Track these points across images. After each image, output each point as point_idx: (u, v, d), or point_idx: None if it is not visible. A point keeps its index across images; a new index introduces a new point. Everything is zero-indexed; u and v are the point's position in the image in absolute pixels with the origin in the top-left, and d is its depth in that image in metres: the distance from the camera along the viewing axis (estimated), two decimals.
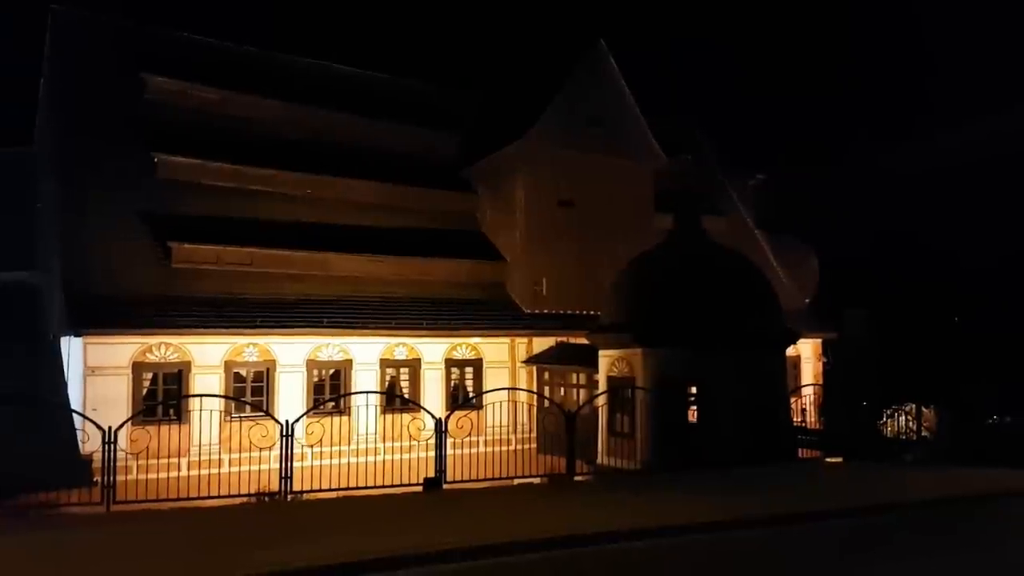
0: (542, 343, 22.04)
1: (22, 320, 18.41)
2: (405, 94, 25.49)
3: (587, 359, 18.21)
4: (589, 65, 23.93)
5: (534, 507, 11.49)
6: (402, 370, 20.54)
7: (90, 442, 12.50)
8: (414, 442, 14.14)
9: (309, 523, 10.15)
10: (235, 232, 19.45)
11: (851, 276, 34.65)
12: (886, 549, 9.32)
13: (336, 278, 20.41)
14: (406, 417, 17.19)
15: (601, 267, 20.86)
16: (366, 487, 12.75)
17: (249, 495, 12.26)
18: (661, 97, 43.72)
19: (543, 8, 53.13)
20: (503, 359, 21.87)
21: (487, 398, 17.38)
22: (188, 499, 11.93)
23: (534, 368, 21.63)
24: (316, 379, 19.31)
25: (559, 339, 21.90)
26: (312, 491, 12.56)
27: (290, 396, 18.60)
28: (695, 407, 15.85)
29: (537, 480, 14.21)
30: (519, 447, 17.09)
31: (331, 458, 14.46)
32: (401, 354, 20.41)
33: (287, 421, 12.69)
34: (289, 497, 12.42)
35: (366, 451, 16.01)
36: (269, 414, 15.72)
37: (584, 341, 18.64)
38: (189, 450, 15.60)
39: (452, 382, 21.18)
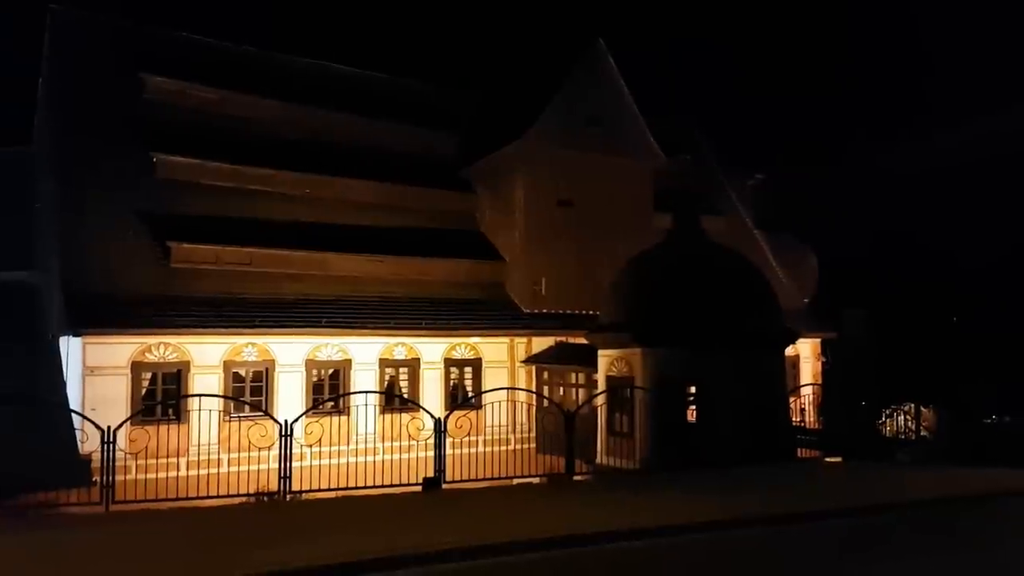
0: (541, 343, 22.05)
1: (21, 320, 18.38)
2: (404, 94, 25.48)
3: (586, 359, 18.21)
4: (588, 65, 23.93)
5: (533, 507, 11.50)
6: (401, 370, 20.54)
7: (89, 442, 12.51)
8: (413, 442, 14.13)
9: (308, 523, 10.15)
10: (234, 232, 19.44)
11: (850, 276, 34.66)
12: (885, 549, 9.33)
13: (335, 278, 20.41)
14: (405, 417, 17.21)
15: (600, 267, 20.87)
16: (365, 487, 12.73)
17: (248, 495, 12.25)
18: (660, 97, 43.81)
19: (542, 8, 53.15)
20: (502, 359, 21.87)
21: (486, 398, 17.37)
22: (187, 499, 11.92)
23: (533, 368, 21.64)
24: (315, 379, 19.30)
25: (558, 339, 21.90)
26: (311, 491, 12.56)
27: (289, 396, 18.60)
28: (694, 407, 15.87)
29: (536, 480, 14.20)
30: (518, 447, 17.10)
31: (330, 458, 14.44)
32: (400, 354, 20.41)
33: (286, 421, 12.70)
34: (288, 497, 12.42)
35: (365, 451, 15.97)
36: (268, 414, 15.72)
37: (583, 341, 18.65)
38: (188, 450, 15.59)
39: (451, 382, 21.18)
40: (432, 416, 13.86)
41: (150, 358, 17.35)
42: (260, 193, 20.67)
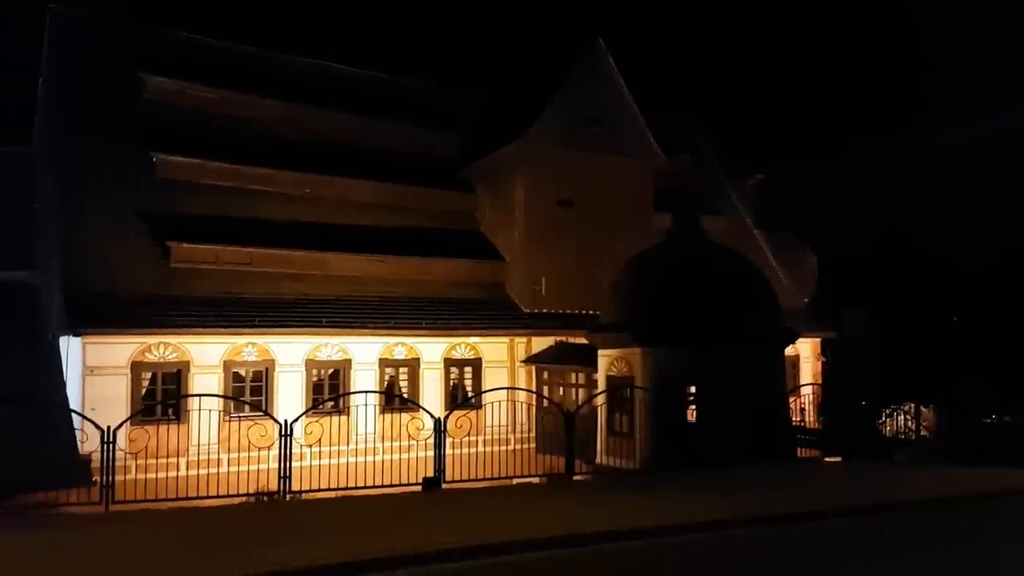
0: (541, 343, 22.05)
1: (21, 320, 18.38)
2: (404, 94, 25.48)
3: (586, 359, 18.21)
4: (588, 65, 23.94)
5: (533, 507, 11.50)
6: (401, 370, 20.54)
7: (89, 442, 12.51)
8: (413, 442, 14.14)
9: (308, 523, 10.15)
10: (234, 232, 19.44)
11: (850, 276, 34.67)
12: (884, 548, 9.33)
13: (335, 278, 20.41)
14: (405, 417, 17.23)
15: (600, 266, 20.87)
16: (365, 487, 12.73)
17: (248, 495, 12.25)
18: (660, 97, 43.76)
19: (542, 8, 53.15)
20: (502, 359, 21.87)
21: (486, 398, 17.37)
22: (187, 499, 11.92)
23: (533, 368, 21.64)
24: (315, 379, 19.31)
25: (558, 339, 21.91)
26: (311, 491, 12.57)
27: (289, 396, 18.60)
28: (694, 406, 15.86)
29: (536, 480, 14.20)
30: (518, 447, 17.10)
31: (330, 458, 14.44)
32: (400, 354, 20.42)
33: (286, 421, 12.70)
34: (288, 497, 12.42)
35: (365, 451, 15.98)
36: (268, 414, 15.73)
37: (583, 341, 18.65)
38: (188, 450, 15.59)
39: (451, 382, 21.19)
40: (432, 416, 13.86)
41: (150, 358, 17.35)
42: (260, 193, 20.67)
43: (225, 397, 16.91)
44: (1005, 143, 38.30)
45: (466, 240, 23.40)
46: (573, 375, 19.87)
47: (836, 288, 30.93)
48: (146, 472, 14.02)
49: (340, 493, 12.53)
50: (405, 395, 20.05)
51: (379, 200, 22.43)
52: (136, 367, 17.16)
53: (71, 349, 16.75)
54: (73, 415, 14.18)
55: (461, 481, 13.37)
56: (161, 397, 17.37)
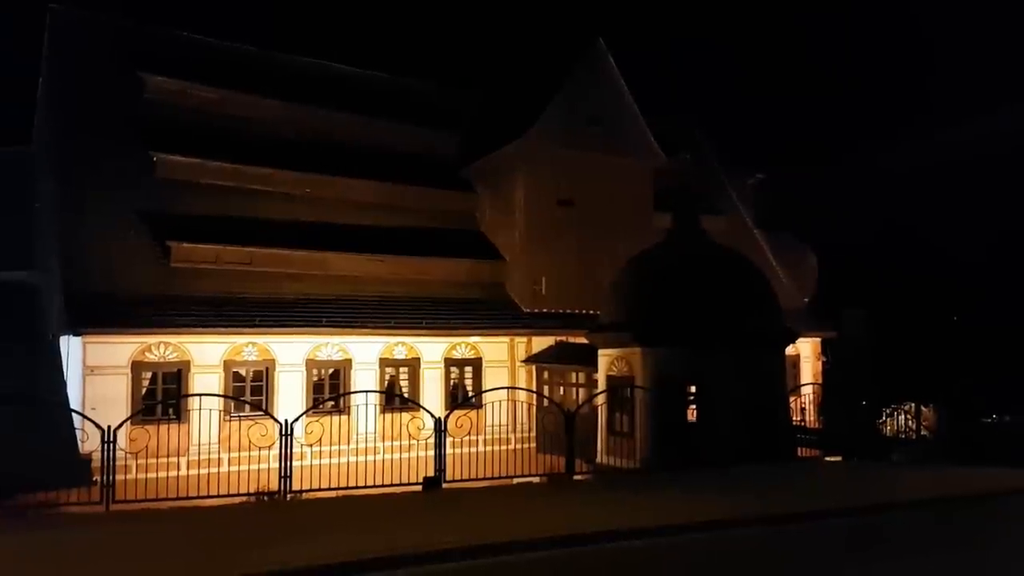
0: (541, 342, 22.05)
1: (21, 320, 18.38)
2: (404, 93, 25.48)
3: (586, 358, 18.22)
4: (588, 64, 23.93)
5: (533, 506, 11.50)
6: (401, 369, 20.54)
7: (89, 441, 12.52)
8: (413, 441, 14.14)
9: (308, 522, 10.15)
10: (234, 231, 19.44)
11: (850, 275, 34.68)
12: (884, 548, 9.34)
13: (335, 277, 20.41)
14: (405, 416, 17.22)
15: (600, 266, 20.87)
16: (365, 486, 12.74)
17: (248, 494, 12.26)
18: (660, 96, 43.81)
19: (543, 8, 53.14)
20: (502, 358, 21.88)
21: (486, 397, 17.37)
22: (187, 498, 11.92)
23: (533, 367, 21.64)
24: (315, 378, 19.31)
25: (558, 338, 21.91)
26: (311, 490, 12.57)
27: (289, 395, 18.60)
28: (694, 406, 15.87)
29: (536, 479, 14.21)
30: (518, 446, 17.12)
31: (330, 457, 14.45)
32: (400, 353, 20.42)
33: (286, 420, 12.70)
34: (288, 496, 12.43)
35: (365, 450, 16.01)
36: (268, 413, 15.74)
37: (583, 340, 18.65)
38: (188, 449, 15.60)
39: (451, 381, 21.19)
40: (432, 415, 13.87)
41: (150, 358, 17.36)
42: (260, 193, 20.67)
43: (225, 397, 16.91)
44: (1005, 142, 38.30)
45: (466, 240, 23.40)
46: (573, 375, 19.87)
47: (836, 288, 30.94)
48: (146, 472, 14.03)
49: (340, 493, 12.53)
50: (405, 395, 20.05)
51: (379, 200, 22.43)
52: (136, 367, 17.16)
53: (71, 349, 16.76)
54: (73, 415, 14.20)
55: (461, 481, 13.37)
56: (161, 397, 17.37)
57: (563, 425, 14.72)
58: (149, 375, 17.42)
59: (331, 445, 15.03)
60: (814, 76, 59.36)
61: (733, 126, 54.92)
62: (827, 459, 16.74)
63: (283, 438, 12.48)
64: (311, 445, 14.25)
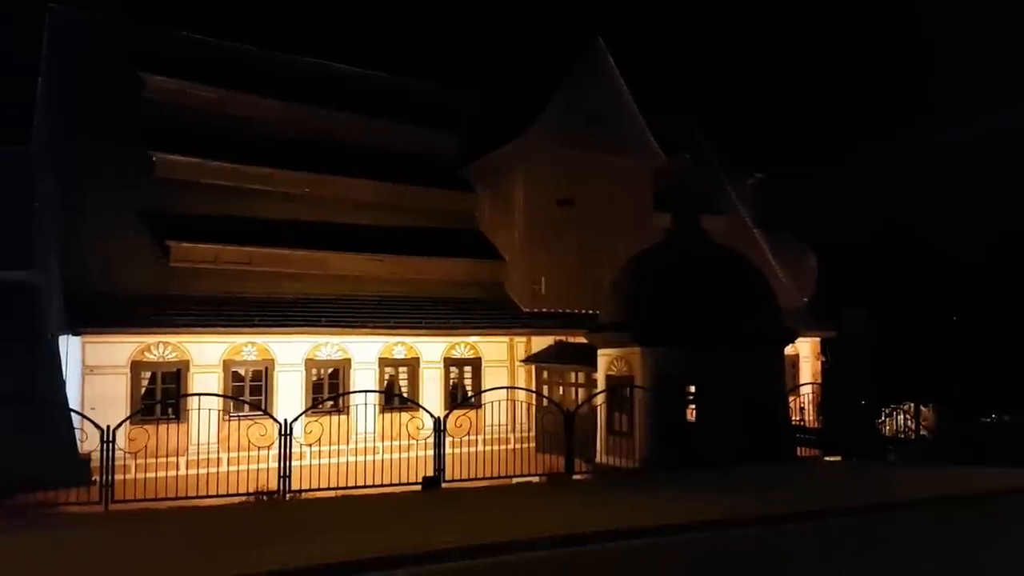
0: (541, 342, 22.05)
1: (20, 319, 18.37)
2: (404, 93, 25.48)
3: (586, 358, 18.21)
4: (588, 64, 23.93)
5: (533, 506, 11.50)
6: (401, 369, 20.54)
7: (88, 441, 12.52)
8: (413, 441, 14.14)
9: (308, 522, 10.15)
10: (234, 231, 19.44)
11: (849, 275, 34.69)
12: (883, 548, 9.33)
13: (335, 277, 20.41)
14: (405, 416, 17.24)
15: (600, 266, 20.88)
16: (365, 486, 12.75)
17: (248, 494, 12.26)
18: (660, 96, 43.78)
19: (543, 8, 53.14)
20: (502, 358, 21.88)
21: (486, 397, 17.38)
22: (186, 498, 11.92)
23: (533, 367, 21.64)
24: (315, 378, 19.31)
25: (558, 338, 21.91)
26: (311, 490, 12.57)
27: (289, 395, 18.61)
28: (694, 406, 15.87)
29: (536, 479, 14.20)
30: (518, 446, 17.10)
31: (330, 457, 14.45)
32: (400, 353, 20.42)
33: (286, 420, 12.70)
34: (288, 496, 12.43)
35: (365, 450, 15.98)
36: (268, 413, 15.74)
37: (583, 340, 18.64)
38: (188, 449, 15.59)
39: (451, 381, 21.19)
40: (432, 415, 13.87)
41: (150, 357, 17.36)
42: (260, 192, 20.67)
43: (225, 396, 16.91)
44: (1005, 142, 38.31)
45: (466, 240, 23.40)
46: (573, 374, 19.86)
47: (836, 288, 30.95)
48: (146, 471, 14.04)
49: (340, 492, 12.53)
50: (405, 394, 20.05)
51: (379, 200, 22.43)
52: (136, 366, 17.16)
53: (71, 349, 16.76)
54: (73, 414, 14.19)
55: (461, 480, 13.37)
56: (161, 396, 17.37)
57: (562, 425, 14.72)
58: (148, 375, 17.43)
59: (330, 445, 15.02)
60: (814, 76, 59.41)
61: (733, 126, 54.94)
62: (826, 459, 16.73)
63: (282, 438, 12.48)
64: (310, 445, 14.25)
